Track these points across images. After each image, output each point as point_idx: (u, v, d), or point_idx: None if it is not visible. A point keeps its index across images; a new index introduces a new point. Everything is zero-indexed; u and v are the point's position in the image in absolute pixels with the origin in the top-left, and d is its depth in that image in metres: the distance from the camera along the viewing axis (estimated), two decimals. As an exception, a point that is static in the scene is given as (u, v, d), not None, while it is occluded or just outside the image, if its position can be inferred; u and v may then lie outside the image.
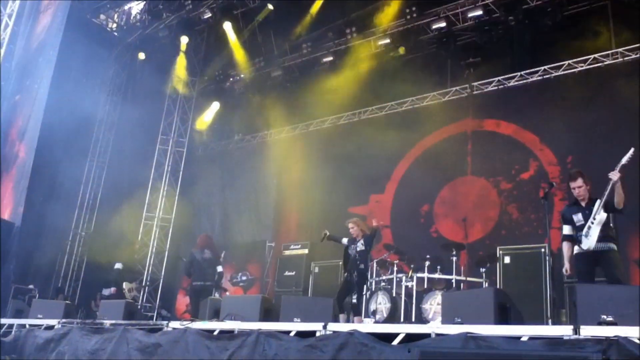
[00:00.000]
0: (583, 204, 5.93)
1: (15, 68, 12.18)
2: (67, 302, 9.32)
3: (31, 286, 10.88)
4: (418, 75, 12.17)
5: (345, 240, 8.17)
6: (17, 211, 11.98)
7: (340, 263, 9.00)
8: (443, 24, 11.40)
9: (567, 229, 6.03)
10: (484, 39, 11.34)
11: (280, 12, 12.57)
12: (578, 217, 5.91)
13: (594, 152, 9.58)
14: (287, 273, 11.44)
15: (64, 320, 7.75)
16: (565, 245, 6.03)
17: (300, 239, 12.30)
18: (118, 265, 11.41)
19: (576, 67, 10.54)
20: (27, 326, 7.96)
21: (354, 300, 7.68)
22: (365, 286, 8.47)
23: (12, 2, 11.52)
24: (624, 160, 5.52)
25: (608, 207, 5.69)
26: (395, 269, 8.89)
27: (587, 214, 5.79)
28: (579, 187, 5.91)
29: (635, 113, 8.95)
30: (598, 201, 5.73)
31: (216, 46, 13.99)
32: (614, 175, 5.49)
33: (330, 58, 12.94)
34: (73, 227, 13.43)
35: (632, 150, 5.53)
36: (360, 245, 7.80)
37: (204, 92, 15.35)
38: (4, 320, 8.43)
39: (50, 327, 7.72)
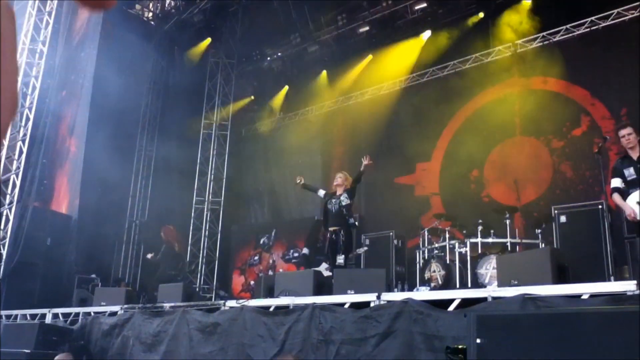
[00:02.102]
0: (634, 156, 5.65)
1: (59, 64, 12.47)
2: (128, 288, 9.62)
3: (93, 275, 11.25)
4: (458, 37, 11.86)
5: (322, 193, 7.80)
6: (73, 204, 12.36)
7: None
8: (481, -17, 11.04)
9: (617, 182, 5.72)
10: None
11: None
12: (630, 172, 5.63)
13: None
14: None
15: (126, 305, 8.00)
16: (616, 197, 5.70)
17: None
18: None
19: (626, 15, 10.00)
20: (92, 314, 8.26)
21: (340, 261, 7.25)
22: (352, 244, 7.87)
23: (50, 0, 11.75)
24: None
25: None
26: (447, 235, 8.76)
27: (639, 167, 5.51)
28: (628, 134, 5.66)
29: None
30: None
31: (251, 26, 13.95)
32: None
33: (367, 28, 12.73)
34: (128, 216, 13.82)
35: None
36: (344, 199, 7.46)
37: (242, 73, 15.40)
38: (71, 310, 8.77)
39: (114, 314, 7.99)
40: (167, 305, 7.52)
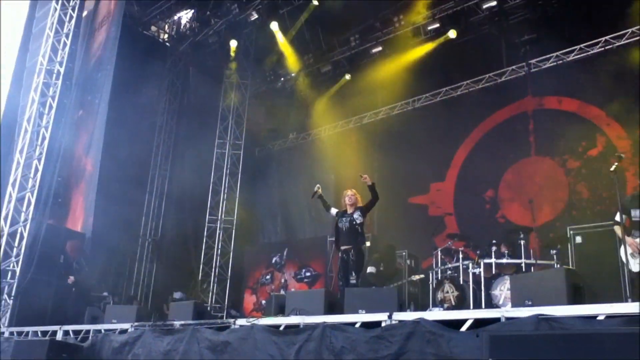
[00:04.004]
0: None
1: (75, 85, 12.65)
2: (139, 306, 9.60)
3: (105, 293, 11.26)
4: (472, 58, 11.87)
5: (333, 211, 7.63)
6: (87, 222, 12.43)
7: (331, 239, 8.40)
8: (494, 3, 11.13)
9: (619, 218, 5.71)
10: (537, 14, 10.94)
11: (326, 7, 12.50)
12: (635, 213, 5.70)
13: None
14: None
15: (136, 323, 7.96)
16: (618, 229, 5.73)
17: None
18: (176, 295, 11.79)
19: (639, 35, 9.96)
20: (103, 331, 8.23)
21: (353, 281, 7.11)
22: (363, 263, 7.72)
23: (67, 22, 11.95)
24: None
25: None
26: (460, 256, 8.65)
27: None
28: None
29: None
30: None
31: (265, 47, 14.07)
32: None
33: (379, 48, 12.82)
34: (141, 234, 13.88)
35: None
36: (357, 217, 7.34)
37: (256, 93, 15.52)
38: (82, 327, 8.75)
39: (124, 331, 7.95)
40: (177, 323, 7.47)
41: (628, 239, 5.58)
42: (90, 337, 8.21)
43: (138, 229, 13.82)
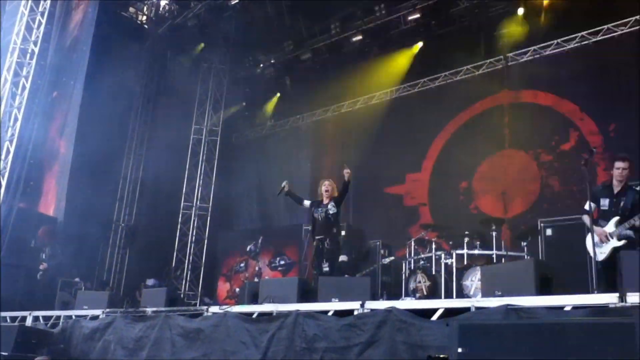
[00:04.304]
0: (616, 189, 5.79)
1: (50, 66, 12.40)
2: (110, 292, 9.52)
3: (77, 279, 11.13)
4: (450, 49, 11.92)
5: (306, 203, 7.71)
6: (59, 206, 12.25)
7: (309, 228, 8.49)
8: (474, -5, 11.10)
9: (589, 207, 5.85)
10: (516, 7, 10.99)
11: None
12: (605, 202, 5.80)
13: (638, 119, 9.22)
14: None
15: (108, 309, 7.90)
16: (586, 218, 5.86)
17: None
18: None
19: (615, 31, 10.10)
20: (74, 317, 8.14)
21: (326, 269, 7.20)
22: (339, 252, 7.81)
23: (43, 1, 11.69)
24: None
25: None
26: (433, 246, 8.74)
27: (614, 202, 5.69)
28: (623, 168, 5.74)
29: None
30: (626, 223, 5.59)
31: (245, 33, 13.93)
32: None
33: (360, 37, 12.76)
34: (114, 220, 13.71)
35: None
36: (331, 208, 7.41)
37: (234, 79, 15.38)
38: (52, 313, 8.65)
39: (95, 317, 7.88)
40: (149, 310, 7.43)
41: (596, 229, 5.70)
42: (60, 323, 8.14)
43: (111, 214, 13.64)
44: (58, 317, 8.39)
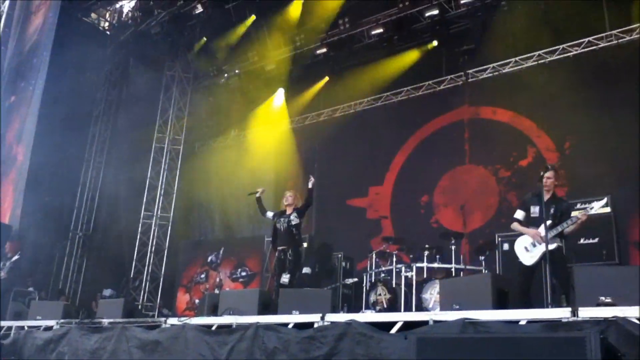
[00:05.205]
0: (545, 197, 6.11)
1: (7, 70, 12.13)
2: (65, 302, 9.28)
3: (30, 289, 10.84)
4: (413, 64, 12.12)
5: (269, 215, 7.76)
6: (15, 214, 11.94)
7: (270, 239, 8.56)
8: (436, 12, 11.32)
9: (520, 214, 6.34)
10: (477, 25, 11.26)
11: (270, 5, 12.51)
12: (535, 210, 6.14)
13: (592, 137, 9.55)
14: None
15: (62, 320, 7.70)
16: (516, 225, 6.34)
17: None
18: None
19: (570, 51, 10.45)
20: (26, 328, 7.91)
21: (285, 280, 7.24)
22: (300, 264, 7.88)
23: (2, 3, 11.43)
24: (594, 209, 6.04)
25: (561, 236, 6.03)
26: (394, 259, 8.82)
27: (544, 210, 5.94)
28: (548, 177, 6.14)
29: (631, 96, 8.90)
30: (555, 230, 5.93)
31: (208, 41, 13.88)
32: (584, 217, 5.85)
33: (324, 50, 12.86)
34: (72, 228, 13.41)
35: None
36: (294, 219, 7.48)
37: (198, 88, 15.28)
38: (3, 323, 8.38)
39: (49, 328, 7.68)
40: (105, 321, 7.28)
41: (530, 230, 6.08)
42: (12, 334, 7.89)
43: (69, 222, 13.33)
44: (9, 328, 8.13)
